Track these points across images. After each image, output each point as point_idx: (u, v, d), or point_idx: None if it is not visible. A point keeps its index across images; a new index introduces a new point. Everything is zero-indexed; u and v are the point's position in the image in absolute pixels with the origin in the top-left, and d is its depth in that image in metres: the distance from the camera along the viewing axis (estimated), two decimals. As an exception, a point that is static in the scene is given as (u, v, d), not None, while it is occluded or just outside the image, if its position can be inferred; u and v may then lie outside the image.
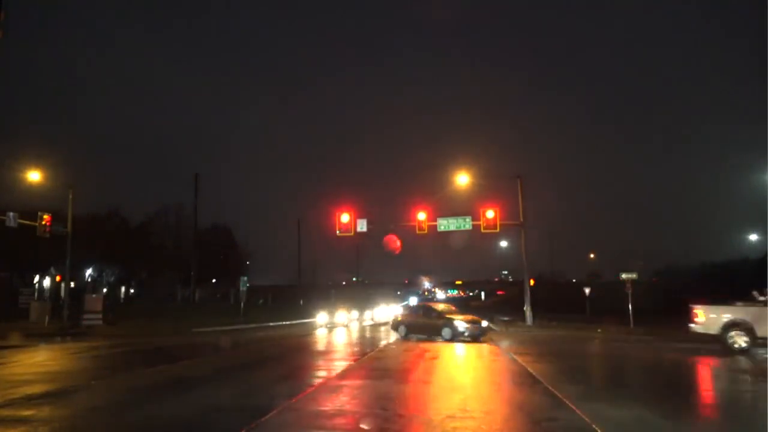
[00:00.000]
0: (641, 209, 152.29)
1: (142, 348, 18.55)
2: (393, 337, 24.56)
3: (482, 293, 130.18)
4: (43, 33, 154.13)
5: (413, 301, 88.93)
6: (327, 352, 17.85)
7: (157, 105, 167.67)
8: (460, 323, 21.21)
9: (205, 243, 54.40)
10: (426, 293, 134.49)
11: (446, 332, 21.28)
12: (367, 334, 27.51)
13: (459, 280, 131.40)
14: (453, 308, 25.00)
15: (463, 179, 28.99)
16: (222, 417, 7.43)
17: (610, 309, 36.65)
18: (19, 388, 9.37)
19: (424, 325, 22.49)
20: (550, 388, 9.58)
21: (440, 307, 24.58)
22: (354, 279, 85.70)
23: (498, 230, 28.37)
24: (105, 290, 47.12)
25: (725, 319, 17.29)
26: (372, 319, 43.45)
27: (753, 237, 45.22)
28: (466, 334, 20.99)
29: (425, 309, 24.10)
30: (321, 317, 34.43)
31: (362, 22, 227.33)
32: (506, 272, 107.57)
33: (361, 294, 61.79)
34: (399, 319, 24.29)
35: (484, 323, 22.35)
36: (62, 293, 30.93)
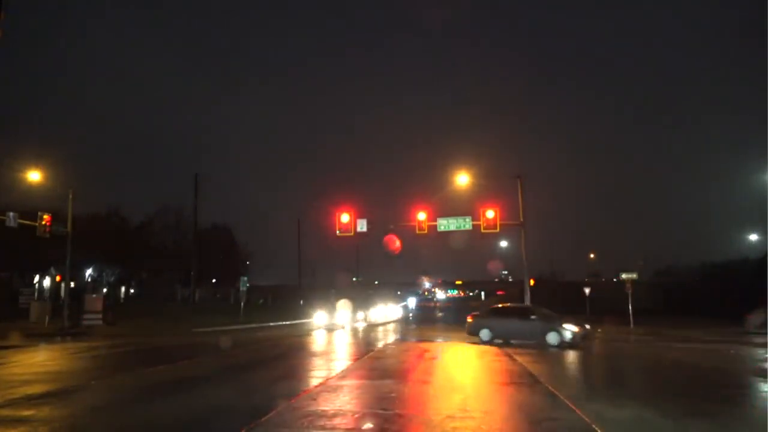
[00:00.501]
0: (641, 209, 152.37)
1: (142, 348, 18.56)
2: (392, 337, 24.53)
3: (482, 293, 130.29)
4: (42, 33, 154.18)
5: (412, 301, 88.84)
6: (326, 352, 17.86)
7: (157, 105, 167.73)
8: (570, 327, 18.97)
9: (205, 243, 54.35)
10: (426, 293, 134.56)
11: (553, 337, 18.83)
12: (367, 334, 27.52)
13: (459, 280, 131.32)
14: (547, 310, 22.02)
15: (463, 179, 28.95)
16: (222, 417, 7.43)
17: (610, 309, 36.70)
18: (19, 388, 9.37)
19: (520, 329, 19.88)
20: (550, 388, 9.58)
21: (538, 308, 21.59)
22: (354, 279, 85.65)
23: (498, 230, 28.33)
24: (105, 290, 47.11)
25: None
26: (371, 320, 43.42)
27: (753, 237, 45.22)
28: (575, 340, 18.72)
29: (518, 310, 21.37)
30: (319, 317, 34.41)
31: (362, 23, 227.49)
32: (506, 272, 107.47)
33: (360, 294, 61.69)
34: (477, 321, 21.32)
35: (587, 326, 20.38)
36: (62, 293, 30.91)
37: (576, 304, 42.23)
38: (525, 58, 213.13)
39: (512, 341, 19.92)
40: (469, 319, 21.82)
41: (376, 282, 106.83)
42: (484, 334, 20.45)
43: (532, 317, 19.94)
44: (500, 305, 23.32)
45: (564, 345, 18.45)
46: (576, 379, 12.00)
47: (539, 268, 67.62)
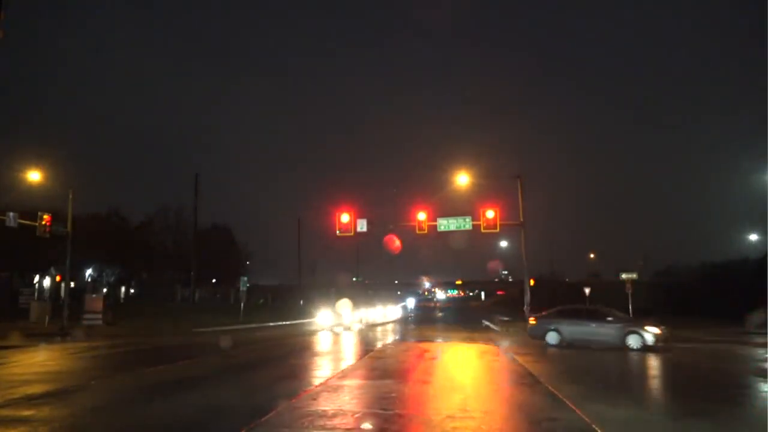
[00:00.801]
0: (642, 209, 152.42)
1: (142, 348, 18.56)
2: (392, 338, 24.51)
3: (482, 293, 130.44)
4: (42, 33, 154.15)
5: (411, 301, 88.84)
6: (326, 352, 17.87)
7: (157, 105, 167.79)
8: (652, 329, 17.57)
9: (205, 243, 54.42)
10: (426, 293, 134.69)
11: (634, 341, 17.38)
12: (367, 334, 27.52)
13: (459, 280, 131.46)
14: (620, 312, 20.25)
15: (463, 179, 28.96)
16: (222, 417, 7.43)
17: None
18: (19, 388, 9.37)
19: (595, 332, 18.25)
20: (551, 388, 9.58)
21: (611, 309, 19.84)
22: (354, 279, 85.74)
23: (498, 230, 28.34)
24: (105, 290, 47.11)
25: None
26: (371, 320, 43.42)
27: (753, 237, 45.20)
28: (658, 343, 17.37)
29: (590, 311, 19.73)
30: (322, 317, 34.25)
31: (362, 23, 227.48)
32: (506, 272, 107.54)
33: (361, 294, 61.75)
34: (542, 323, 19.63)
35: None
36: (62, 293, 30.89)
37: (576, 304, 42.28)
38: (525, 58, 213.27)
39: (581, 345, 18.29)
40: (532, 321, 20.21)
41: (396, 281, 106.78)
42: (551, 337, 18.94)
43: (609, 319, 18.45)
44: (568, 306, 21.24)
45: (647, 348, 17.12)
46: (576, 378, 11.99)
47: (539, 268, 67.54)
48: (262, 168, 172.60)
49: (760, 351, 18.12)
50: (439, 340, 23.42)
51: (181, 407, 8.15)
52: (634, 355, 16.50)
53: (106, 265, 55.37)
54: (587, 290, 39.47)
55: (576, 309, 20.57)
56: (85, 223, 40.69)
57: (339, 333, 27.34)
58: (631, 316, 19.14)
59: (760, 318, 26.70)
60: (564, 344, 18.64)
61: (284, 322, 36.75)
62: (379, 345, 20.20)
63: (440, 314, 63.92)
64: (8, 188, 31.58)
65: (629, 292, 29.76)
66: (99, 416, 7.62)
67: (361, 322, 39.90)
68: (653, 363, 15.22)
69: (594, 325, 18.43)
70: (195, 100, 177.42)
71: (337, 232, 28.20)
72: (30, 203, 28.52)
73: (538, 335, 19.53)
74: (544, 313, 20.58)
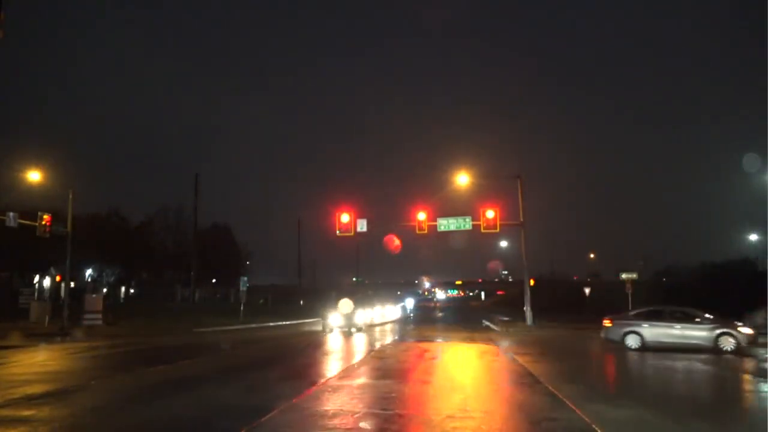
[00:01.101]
0: (642, 209, 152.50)
1: (142, 348, 18.54)
2: (389, 339, 24.50)
3: (482, 293, 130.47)
4: (42, 33, 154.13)
5: (411, 302, 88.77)
6: (327, 353, 17.86)
7: (157, 105, 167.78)
8: (745, 330, 16.82)
9: (205, 243, 54.40)
10: (426, 293, 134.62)
11: (727, 342, 16.53)
12: (367, 334, 27.50)
13: (459, 280, 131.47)
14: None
15: (463, 179, 28.99)
16: (222, 417, 7.43)
17: (610, 309, 36.60)
18: (19, 388, 9.37)
19: (682, 334, 17.21)
20: (551, 388, 9.58)
21: (696, 310, 18.57)
22: (354, 279, 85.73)
23: (498, 230, 28.37)
24: (105, 290, 47.05)
25: None
26: (371, 320, 43.36)
27: (753, 237, 45.24)
28: (750, 345, 16.62)
29: (675, 312, 18.46)
30: (332, 318, 32.72)
31: (362, 23, 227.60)
32: (506, 272, 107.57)
33: (361, 294, 61.58)
34: (620, 325, 18.31)
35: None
36: (62, 293, 30.86)
37: (576, 304, 42.24)
38: (525, 58, 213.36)
39: (665, 348, 17.19)
40: (608, 323, 18.74)
41: (396, 281, 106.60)
42: (632, 340, 17.65)
43: (697, 320, 17.42)
44: (654, 309, 19.74)
45: (739, 351, 16.25)
46: (576, 378, 11.99)
47: (539, 268, 67.51)
48: (262, 168, 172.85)
49: (761, 351, 18.14)
50: (439, 340, 23.40)
51: (182, 407, 8.16)
52: (728, 359, 15.71)
53: (106, 265, 55.34)
54: (587, 290, 39.47)
55: (657, 310, 19.24)
56: (85, 223, 40.73)
57: (339, 333, 27.32)
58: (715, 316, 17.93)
59: (760, 318, 26.69)
60: (645, 348, 17.46)
61: (284, 323, 36.73)
62: (379, 345, 20.18)
63: (440, 314, 63.82)
64: (8, 188, 31.63)
65: (629, 292, 29.76)
66: (99, 416, 7.62)
67: (360, 322, 39.82)
68: (642, 364, 15.10)
69: (679, 326, 17.41)
70: (195, 100, 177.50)
71: (337, 232, 28.24)
72: (30, 203, 28.53)
73: (616, 338, 18.14)
74: (618, 315, 19.52)
